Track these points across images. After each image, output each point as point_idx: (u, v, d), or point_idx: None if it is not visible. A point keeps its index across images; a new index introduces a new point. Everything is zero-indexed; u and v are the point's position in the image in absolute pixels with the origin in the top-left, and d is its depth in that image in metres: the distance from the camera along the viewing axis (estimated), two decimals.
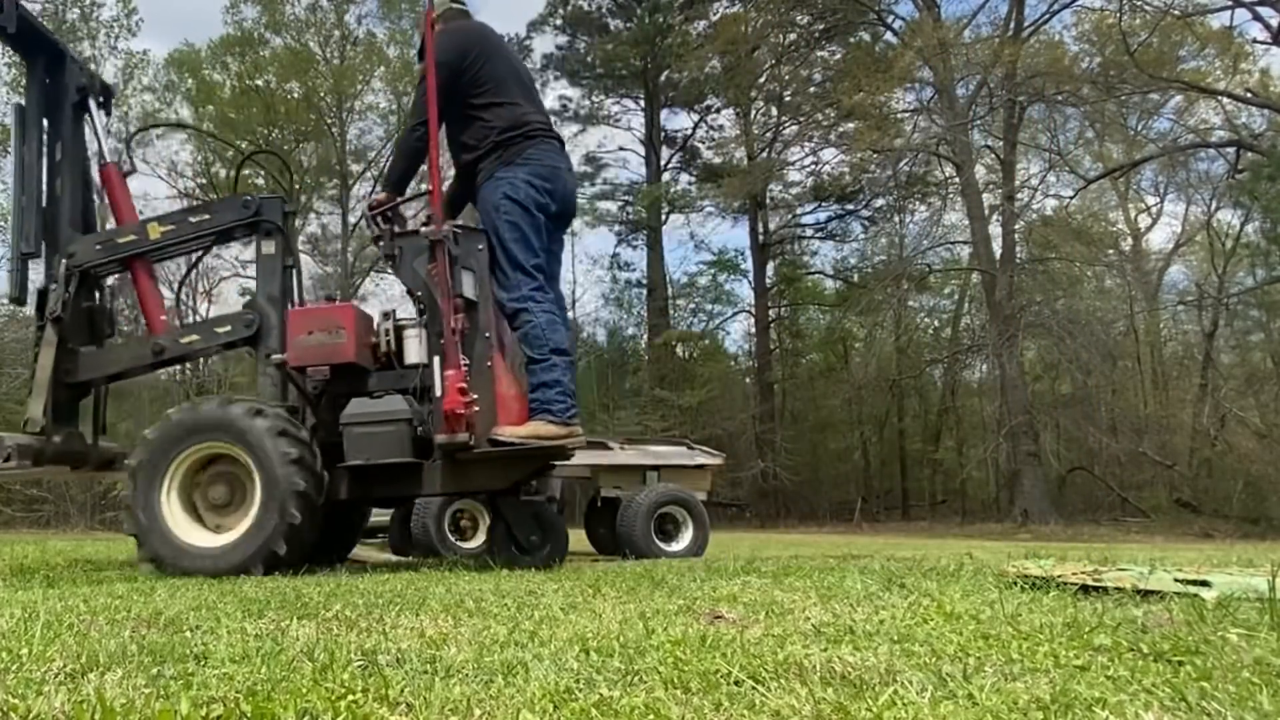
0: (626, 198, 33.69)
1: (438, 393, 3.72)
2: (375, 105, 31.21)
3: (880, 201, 30.52)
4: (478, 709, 1.19)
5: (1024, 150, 25.83)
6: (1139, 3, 21.27)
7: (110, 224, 4.62)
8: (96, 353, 4.39)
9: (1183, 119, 25.34)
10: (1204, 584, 2.18)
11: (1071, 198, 26.27)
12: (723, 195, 29.13)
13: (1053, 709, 1.14)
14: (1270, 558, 3.38)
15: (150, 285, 4.51)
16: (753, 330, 32.36)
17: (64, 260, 4.31)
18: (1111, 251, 28.01)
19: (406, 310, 4.10)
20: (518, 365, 3.99)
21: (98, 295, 4.53)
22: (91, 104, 4.64)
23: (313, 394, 4.00)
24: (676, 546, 6.35)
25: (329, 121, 30.39)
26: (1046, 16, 23.55)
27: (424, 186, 4.21)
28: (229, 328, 4.25)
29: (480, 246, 3.93)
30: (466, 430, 3.65)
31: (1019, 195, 25.08)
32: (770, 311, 31.79)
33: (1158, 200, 30.13)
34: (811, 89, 28.95)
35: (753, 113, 30.86)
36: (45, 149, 4.53)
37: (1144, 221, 30.60)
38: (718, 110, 33.23)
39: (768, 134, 30.05)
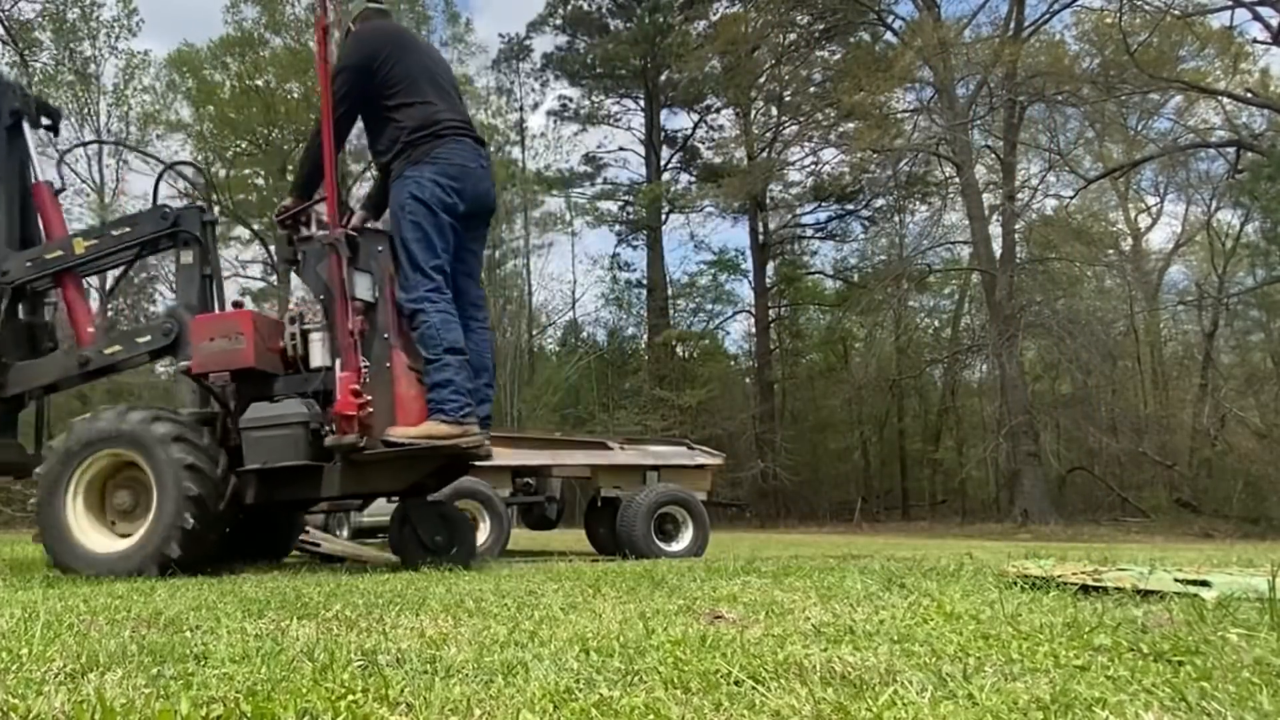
0: (626, 198, 33.74)
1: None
2: None
3: (880, 201, 30.56)
4: (478, 709, 1.19)
5: (1024, 150, 25.84)
6: (1139, 3, 21.28)
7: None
8: (27, 366, 4.49)
9: (1183, 119, 25.37)
10: (1204, 584, 2.18)
11: (1071, 198, 26.29)
12: (723, 195, 29.13)
13: (1053, 709, 1.14)
14: (1270, 558, 3.38)
15: (78, 298, 4.59)
16: (753, 330, 32.40)
17: None
18: (1111, 251, 28.02)
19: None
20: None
21: (37, 310, 4.65)
22: (26, 126, 4.70)
23: (227, 399, 4.05)
24: (676, 546, 6.36)
25: None
26: (1046, 16, 23.59)
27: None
28: (149, 337, 4.33)
29: (380, 248, 3.95)
30: (359, 431, 3.68)
31: (1019, 195, 25.10)
32: (770, 311, 31.79)
33: (1158, 200, 30.17)
34: (811, 89, 28.97)
35: (753, 113, 30.88)
36: None
37: (1144, 221, 30.65)
38: (718, 110, 33.29)
39: (768, 134, 30.06)
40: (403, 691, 1.27)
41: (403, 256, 3.89)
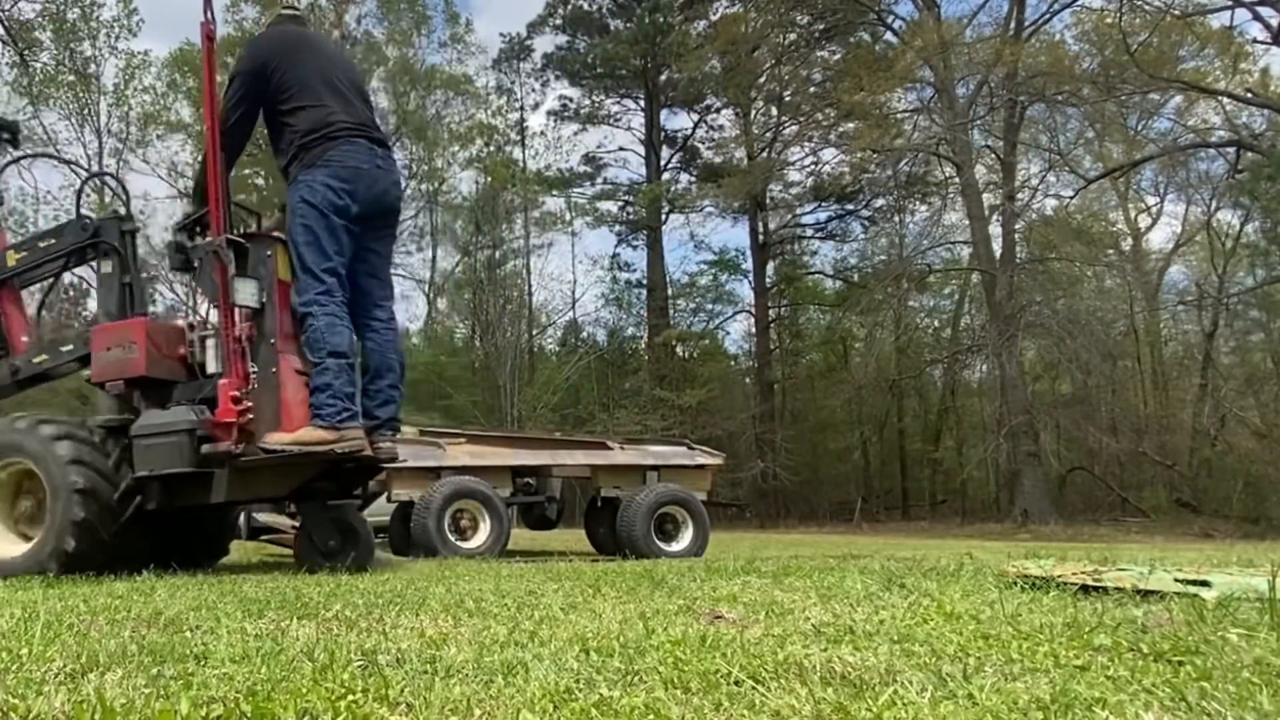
0: (626, 198, 33.69)
1: None
2: (374, 105, 31.17)
3: (880, 201, 30.53)
4: (478, 709, 1.19)
5: (1024, 150, 25.83)
6: (1139, 3, 21.27)
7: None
8: None
9: (1183, 119, 25.35)
10: (1204, 584, 2.18)
11: (1071, 198, 26.28)
12: (723, 195, 29.12)
13: (1053, 709, 1.14)
14: (1270, 558, 3.38)
15: (13, 309, 4.66)
16: (753, 330, 32.37)
17: None
18: (1111, 251, 28.00)
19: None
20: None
21: None
22: None
23: (137, 405, 4.09)
24: (676, 546, 6.36)
25: None
26: (1047, 16, 23.57)
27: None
28: (71, 346, 4.41)
29: (269, 253, 3.97)
30: (238, 438, 3.71)
31: (1019, 195, 25.09)
32: (770, 311, 31.78)
33: (1158, 200, 30.14)
34: (811, 89, 28.95)
35: (753, 113, 30.86)
36: None
37: (1144, 221, 30.62)
38: (718, 110, 33.25)
39: (768, 134, 30.04)
40: (403, 691, 1.27)
41: (295, 260, 3.91)
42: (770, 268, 31.91)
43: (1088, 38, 24.49)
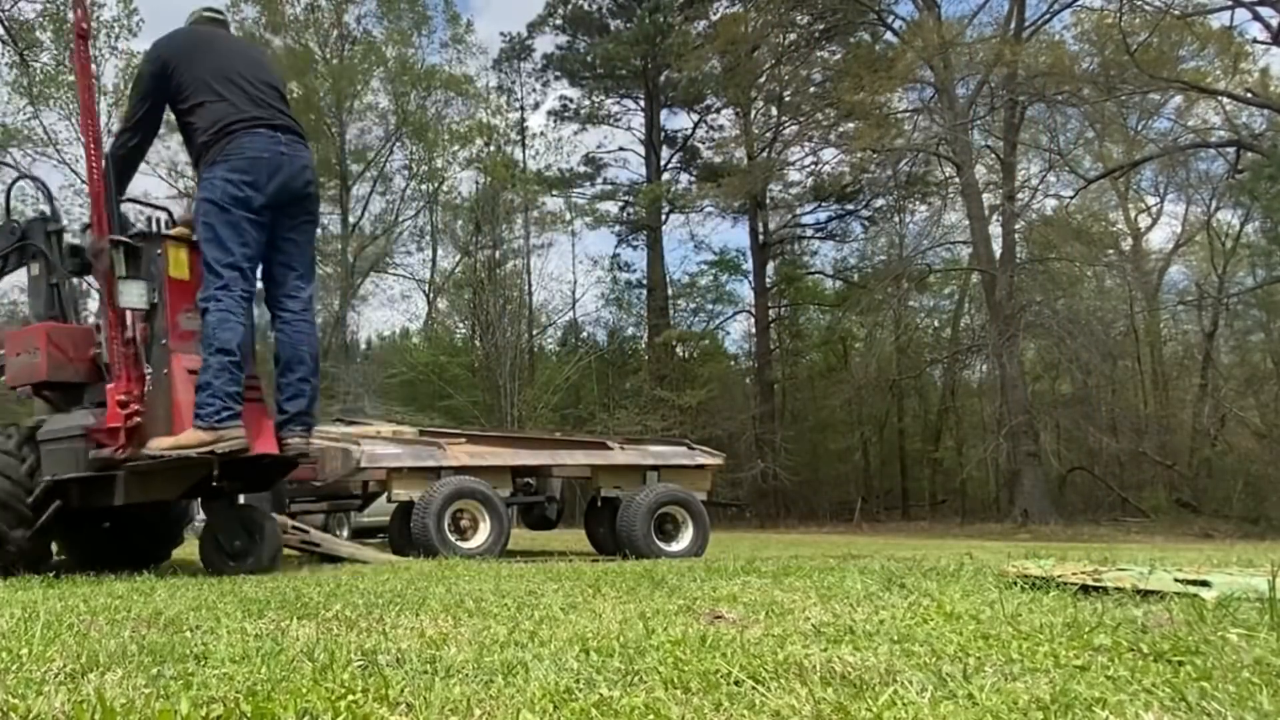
0: (626, 198, 33.68)
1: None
2: (374, 105, 31.17)
3: (880, 201, 30.52)
4: (478, 709, 1.19)
5: (1024, 150, 25.82)
6: (1139, 3, 21.27)
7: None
8: None
9: (1183, 119, 25.34)
10: (1204, 584, 2.18)
11: (1071, 198, 26.28)
12: (723, 195, 29.11)
13: (1053, 709, 1.14)
14: (1270, 558, 3.38)
15: None
16: (753, 330, 32.36)
17: None
18: (1111, 251, 27.99)
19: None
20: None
21: None
22: None
23: (63, 408, 4.11)
24: (676, 546, 6.36)
25: (328, 121, 30.37)
26: (1047, 16, 23.57)
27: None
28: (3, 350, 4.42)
29: (159, 252, 3.94)
30: (125, 442, 3.70)
31: (1019, 195, 25.08)
32: (770, 311, 31.77)
33: (1158, 200, 30.12)
34: (811, 89, 28.94)
35: (753, 113, 30.85)
36: None
37: (1144, 221, 30.60)
38: (718, 110, 33.23)
39: (768, 134, 30.04)
40: (403, 691, 1.27)
41: (202, 257, 3.91)
42: (770, 268, 31.91)
43: (1088, 38, 24.48)
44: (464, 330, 33.58)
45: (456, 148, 31.89)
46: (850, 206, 31.22)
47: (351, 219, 30.77)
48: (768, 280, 31.62)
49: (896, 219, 31.11)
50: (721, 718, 1.16)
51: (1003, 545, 10.29)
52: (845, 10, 26.31)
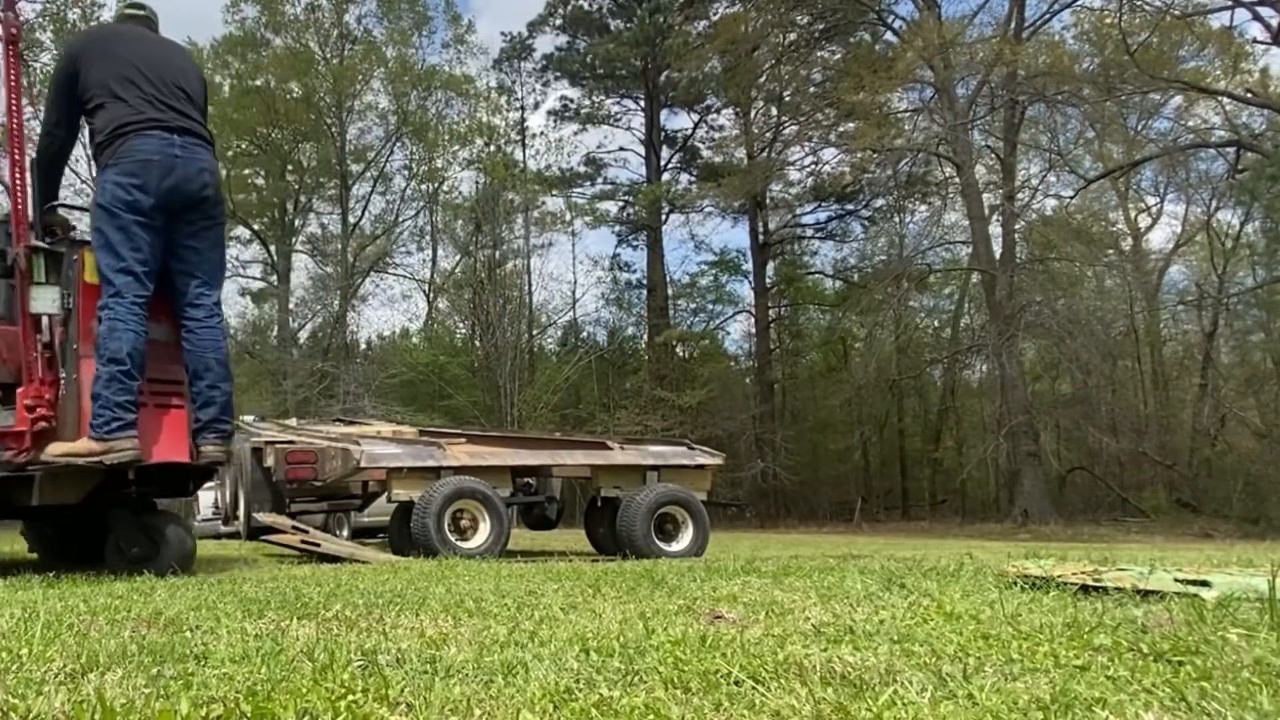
0: (626, 198, 33.69)
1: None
2: (375, 105, 31.20)
3: (880, 201, 30.52)
4: (478, 709, 1.19)
5: (1024, 150, 25.82)
6: (1139, 2, 21.27)
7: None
8: None
9: (1183, 119, 25.34)
10: (1204, 584, 2.18)
11: (1071, 198, 26.28)
12: (723, 195, 29.12)
13: (1053, 709, 1.15)
14: (1270, 558, 3.38)
15: None
16: (753, 330, 32.37)
17: None
18: (1111, 251, 27.99)
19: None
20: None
21: None
22: None
23: None
24: (676, 546, 6.36)
25: (328, 121, 30.39)
26: (1047, 16, 23.56)
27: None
28: None
29: (75, 257, 3.93)
30: (28, 446, 3.72)
31: (1019, 195, 25.09)
32: (770, 311, 31.77)
33: (1158, 200, 30.11)
34: (811, 89, 28.95)
35: (753, 113, 30.84)
36: None
37: (1144, 221, 30.59)
38: (718, 110, 33.24)
39: (768, 134, 30.04)
40: (403, 691, 1.27)
41: None
42: (770, 268, 31.92)
43: (1088, 38, 24.49)
44: (464, 330, 33.60)
45: (457, 148, 31.93)
46: (850, 206, 31.23)
47: (351, 219, 30.80)
48: (768, 280, 31.63)
49: (896, 219, 31.14)
50: (721, 718, 1.16)
51: (1003, 545, 10.30)
52: (845, 10, 26.32)
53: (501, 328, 28.84)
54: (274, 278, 31.75)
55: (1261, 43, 21.66)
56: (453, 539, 6.02)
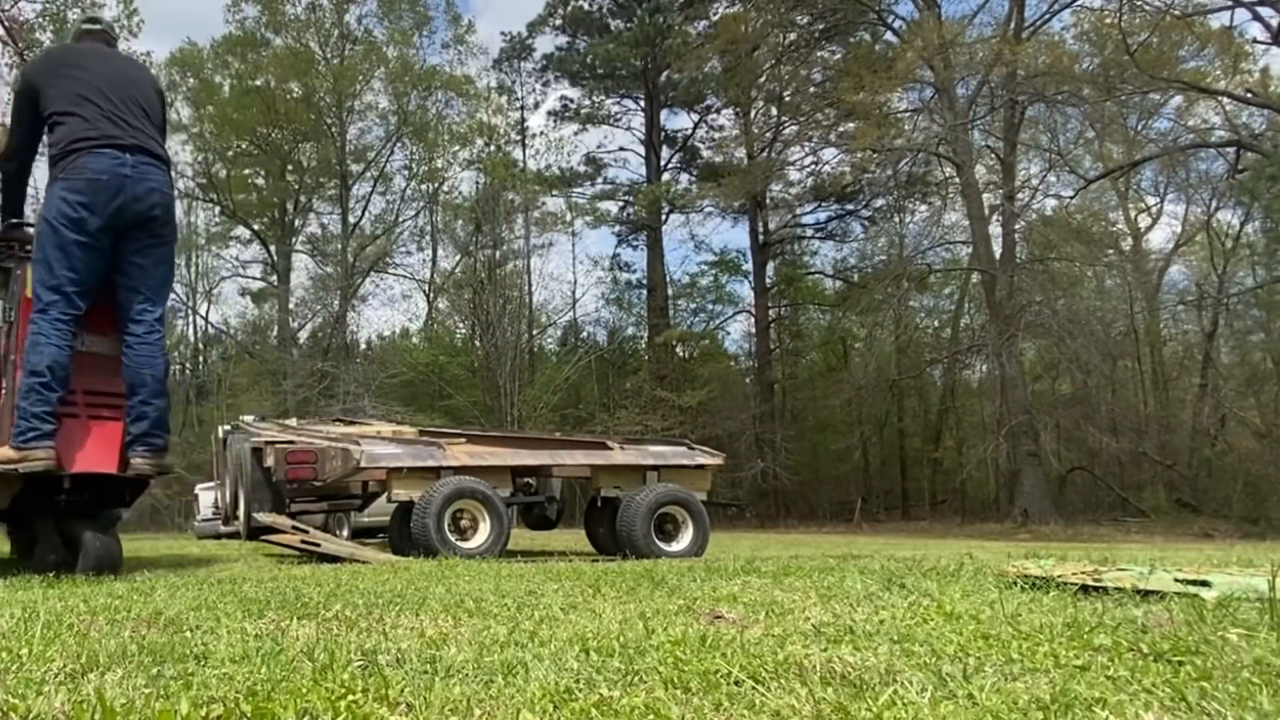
0: (626, 198, 33.70)
1: None
2: (375, 105, 31.22)
3: (880, 201, 30.55)
4: (478, 709, 1.19)
5: (1024, 150, 25.83)
6: (1139, 2, 21.27)
7: None
8: None
9: (1183, 119, 25.34)
10: (1204, 584, 2.18)
11: (1071, 198, 26.28)
12: (723, 195, 29.13)
13: (1053, 709, 1.15)
14: (1270, 558, 3.38)
15: None
16: (753, 330, 32.38)
17: None
18: (1111, 251, 27.98)
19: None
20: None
21: None
22: None
23: None
24: (676, 546, 6.36)
25: (329, 121, 30.40)
26: (1047, 16, 23.56)
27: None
28: None
29: (19, 271, 3.99)
30: None
31: (1019, 195, 25.09)
32: (770, 311, 31.79)
33: (1158, 200, 30.11)
34: (811, 89, 28.96)
35: (753, 113, 30.86)
36: None
37: (1144, 221, 30.59)
38: (718, 110, 33.27)
39: (768, 134, 30.05)
40: (403, 691, 1.27)
41: None
42: (770, 268, 31.93)
43: (1088, 38, 24.49)
44: (464, 330, 33.62)
45: (457, 148, 31.96)
46: (850, 206, 31.25)
47: (351, 219, 30.82)
48: (768, 280, 31.64)
49: (896, 219, 31.15)
50: (721, 718, 1.16)
51: (1003, 545, 10.30)
52: (845, 10, 26.32)
53: (501, 328, 28.85)
54: (274, 278, 31.78)
55: (1261, 43, 21.68)
56: (453, 539, 6.02)
